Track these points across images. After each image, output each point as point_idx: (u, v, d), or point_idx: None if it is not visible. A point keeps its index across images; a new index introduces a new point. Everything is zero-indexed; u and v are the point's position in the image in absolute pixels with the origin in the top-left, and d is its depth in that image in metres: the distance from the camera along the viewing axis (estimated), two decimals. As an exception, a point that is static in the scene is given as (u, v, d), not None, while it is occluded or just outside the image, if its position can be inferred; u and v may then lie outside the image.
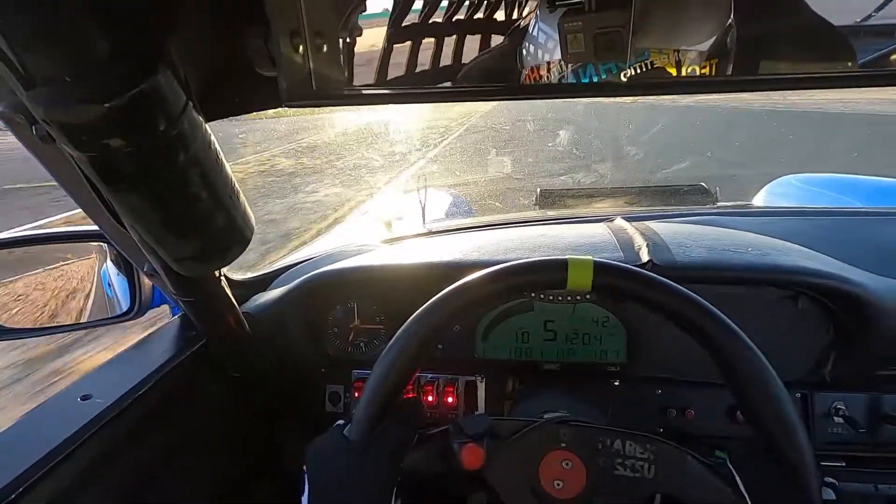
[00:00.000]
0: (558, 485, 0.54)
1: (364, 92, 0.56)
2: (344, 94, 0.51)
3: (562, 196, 1.73)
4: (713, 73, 0.48)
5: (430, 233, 1.15)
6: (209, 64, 0.44)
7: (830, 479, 0.53)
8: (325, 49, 0.46)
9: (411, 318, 0.57)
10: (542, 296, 0.84)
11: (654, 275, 0.56)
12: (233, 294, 0.86)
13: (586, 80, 0.48)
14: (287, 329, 0.90)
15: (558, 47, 0.50)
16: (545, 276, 0.57)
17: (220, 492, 0.89)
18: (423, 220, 1.23)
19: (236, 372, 0.91)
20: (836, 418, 0.82)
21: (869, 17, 0.42)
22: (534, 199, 1.75)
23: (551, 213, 1.48)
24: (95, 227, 0.66)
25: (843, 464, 0.83)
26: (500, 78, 0.67)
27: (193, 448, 0.83)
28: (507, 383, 0.89)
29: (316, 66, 0.44)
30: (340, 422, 0.57)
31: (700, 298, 0.54)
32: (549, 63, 0.54)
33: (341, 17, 0.50)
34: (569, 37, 0.45)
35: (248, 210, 0.55)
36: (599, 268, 0.55)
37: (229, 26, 0.41)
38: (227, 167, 0.50)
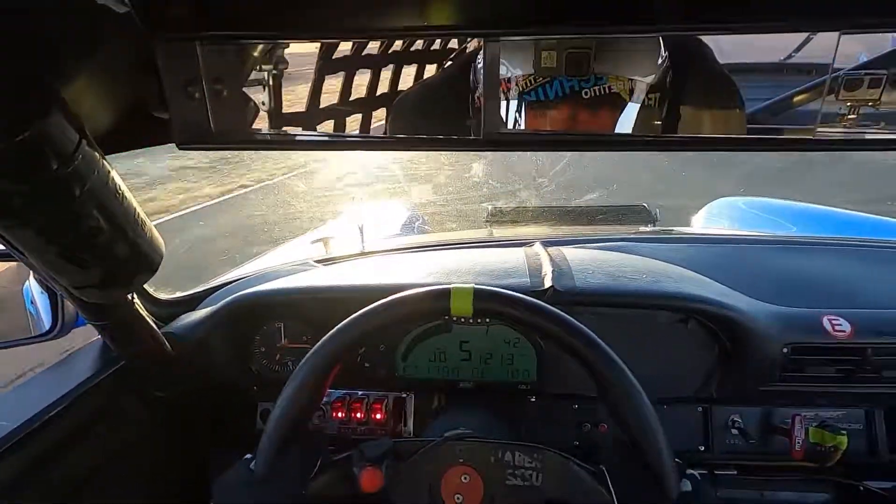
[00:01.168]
0: (459, 498, 0.57)
1: (278, 135, 0.57)
2: (251, 139, 0.52)
3: (508, 215, 1.79)
4: (656, 106, 0.52)
5: (364, 253, 1.19)
6: (104, 104, 0.46)
7: (691, 472, 0.59)
8: (225, 94, 0.48)
9: (308, 353, 0.60)
10: (454, 318, 0.88)
11: (529, 298, 0.61)
12: (158, 313, 0.86)
13: (552, 96, 0.50)
14: (212, 349, 0.91)
15: (510, 70, 0.53)
16: (430, 304, 0.61)
17: None
18: (361, 239, 1.26)
19: (162, 392, 0.90)
20: (732, 430, 0.89)
21: (790, 56, 0.48)
22: (485, 216, 1.80)
23: (496, 233, 1.54)
24: None
25: (736, 472, 0.90)
26: (449, 102, 0.70)
27: (115, 472, 0.82)
28: (434, 400, 0.92)
29: (215, 111, 0.47)
30: (248, 455, 0.59)
31: (571, 320, 0.59)
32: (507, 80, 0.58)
33: (246, 60, 0.52)
34: (543, 53, 0.48)
35: (156, 235, 0.57)
36: (479, 294, 0.60)
37: (123, 73, 0.44)
38: (130, 196, 0.51)
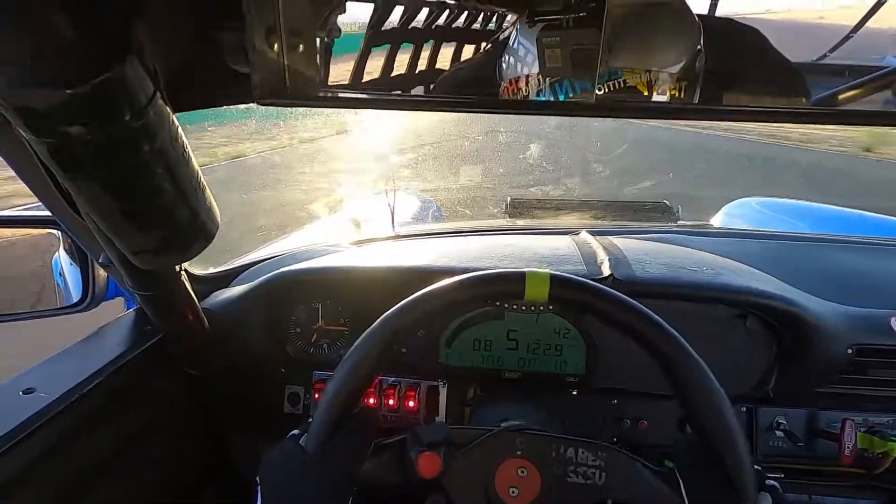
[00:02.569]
0: (514, 492, 0.55)
1: (340, 95, 0.56)
2: (318, 96, 0.51)
3: (531, 206, 1.76)
4: (682, 96, 0.51)
5: (399, 236, 1.15)
6: (181, 55, 0.43)
7: (772, 482, 0.55)
8: (300, 48, 0.45)
9: (371, 327, 0.57)
10: (507, 305, 0.85)
11: (609, 289, 0.57)
12: (193, 289, 0.84)
13: (563, 97, 0.49)
14: (248, 327, 0.88)
15: (537, 61, 0.51)
16: (504, 287, 0.58)
17: (171, 493, 0.87)
18: (393, 223, 1.23)
19: (193, 369, 0.88)
20: (777, 432, 0.86)
21: (824, 56, 0.45)
22: (503, 207, 1.77)
23: (520, 223, 1.51)
24: (49, 213, 0.63)
25: (782, 475, 0.87)
26: (478, 88, 0.68)
27: (145, 447, 0.80)
28: (469, 390, 0.90)
29: (291, 65, 0.44)
30: (296, 432, 0.57)
31: (651, 313, 0.56)
32: (527, 76, 0.56)
33: (320, 16, 0.50)
34: (547, 51, 0.46)
35: (214, 205, 0.54)
36: (556, 280, 0.57)
37: (204, 18, 0.40)
38: (194, 160, 0.49)
